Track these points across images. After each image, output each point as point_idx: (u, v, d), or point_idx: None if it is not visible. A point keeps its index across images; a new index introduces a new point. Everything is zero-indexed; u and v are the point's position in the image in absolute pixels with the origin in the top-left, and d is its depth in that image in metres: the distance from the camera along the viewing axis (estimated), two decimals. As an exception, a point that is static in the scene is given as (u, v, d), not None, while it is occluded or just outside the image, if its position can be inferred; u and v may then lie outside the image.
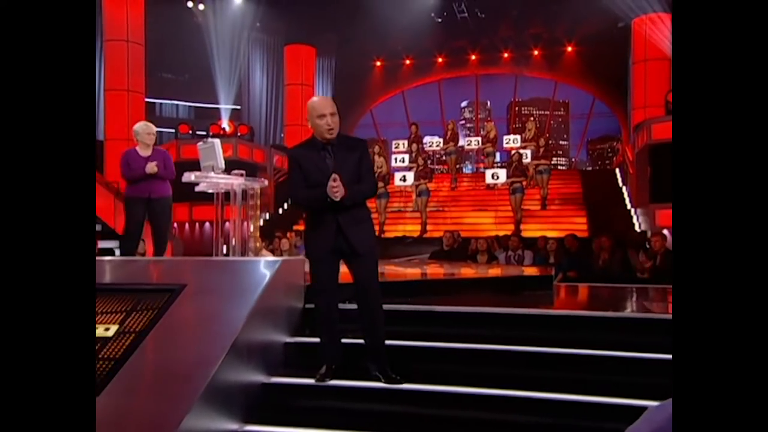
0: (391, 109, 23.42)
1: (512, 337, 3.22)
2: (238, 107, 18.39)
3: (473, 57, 21.15)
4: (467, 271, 5.36)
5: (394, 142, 14.88)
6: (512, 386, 2.79)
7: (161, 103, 25.09)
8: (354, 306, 3.14)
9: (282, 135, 18.45)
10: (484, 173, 15.92)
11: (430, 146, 15.02)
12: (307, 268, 3.47)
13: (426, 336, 3.27)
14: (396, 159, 13.69)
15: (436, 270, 6.03)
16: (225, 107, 17.76)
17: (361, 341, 3.13)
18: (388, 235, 11.80)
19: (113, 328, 2.90)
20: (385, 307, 3.08)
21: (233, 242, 5.15)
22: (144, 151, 5.17)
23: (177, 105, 25.78)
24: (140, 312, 2.99)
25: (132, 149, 5.21)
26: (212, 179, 4.72)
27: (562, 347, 3.02)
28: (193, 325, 2.85)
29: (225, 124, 14.74)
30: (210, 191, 5.26)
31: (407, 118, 22.73)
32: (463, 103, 24.57)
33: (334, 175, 2.99)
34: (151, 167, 5.06)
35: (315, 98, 3.21)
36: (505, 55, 20.76)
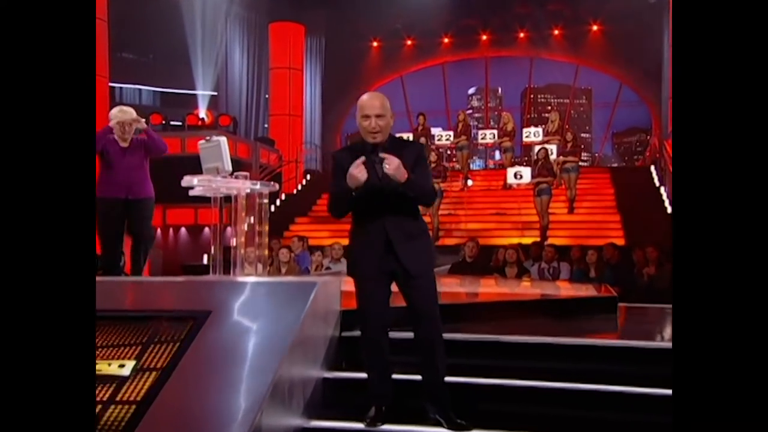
0: (388, 96, 23.24)
1: (582, 372, 3.20)
2: (215, 93, 18.27)
3: (484, 37, 21.16)
4: (515, 291, 5.32)
5: (396, 135, 14.79)
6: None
7: (121, 88, 24.88)
8: (403, 333, 3.09)
9: (266, 126, 18.36)
10: (497, 170, 16.02)
11: (439, 140, 14.99)
12: (346, 287, 3.41)
13: (489, 370, 3.23)
14: (401, 155, 13.65)
15: (471, 288, 5.99)
16: (200, 93, 17.64)
17: (415, 377, 3.08)
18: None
19: (129, 365, 2.82)
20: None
21: (239, 255, 5.01)
22: (123, 142, 4.98)
23: (140, 90, 25.60)
24: (159, 344, 2.91)
25: (107, 129, 4.94)
26: (218, 184, 4.64)
27: (655, 387, 2.98)
28: (224, 360, 2.78)
29: (203, 113, 14.64)
30: (208, 195, 5.16)
31: (406, 107, 22.70)
32: (471, 90, 24.59)
33: (378, 154, 2.97)
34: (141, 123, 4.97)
35: (364, 95, 3.17)
36: (521, 35, 20.79)
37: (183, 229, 12.75)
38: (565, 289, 5.65)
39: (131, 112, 5.07)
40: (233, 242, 5.20)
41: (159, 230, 12.92)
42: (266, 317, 3.01)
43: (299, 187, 15.48)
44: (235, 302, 3.09)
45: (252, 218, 5.34)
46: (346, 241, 10.06)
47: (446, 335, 3.08)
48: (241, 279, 3.54)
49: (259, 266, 5.32)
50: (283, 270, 7.99)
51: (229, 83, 17.50)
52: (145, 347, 2.90)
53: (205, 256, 11.50)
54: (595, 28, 20.06)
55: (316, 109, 20.11)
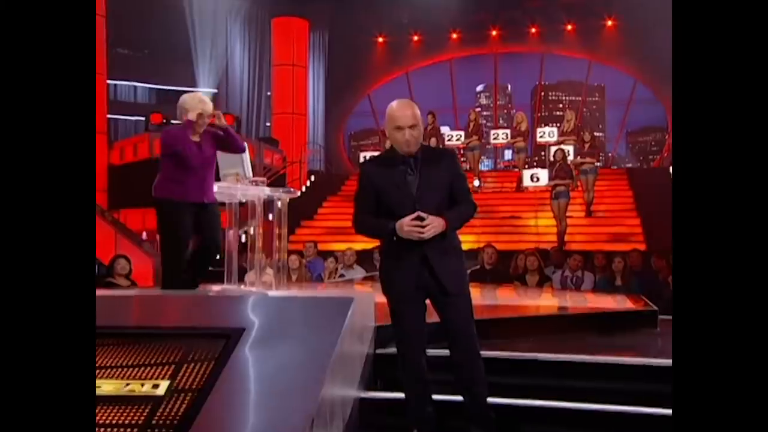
0: (393, 93, 23.39)
1: (634, 393, 3.19)
2: (215, 91, 18.28)
3: (494, 32, 21.18)
4: (548, 304, 5.32)
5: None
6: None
7: (116, 85, 24.84)
8: (441, 351, 3.08)
9: (268, 125, 18.36)
10: (508, 172, 16.02)
11: (450, 140, 14.98)
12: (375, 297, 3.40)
13: (529, 390, 3.22)
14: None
15: (499, 299, 5.98)
16: (202, 91, 17.62)
17: (454, 397, 3.07)
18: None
19: (163, 385, 2.80)
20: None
21: (257, 263, 4.99)
22: (195, 137, 4.41)
23: (135, 87, 25.54)
24: (193, 363, 2.90)
25: (178, 128, 4.42)
26: (239, 191, 4.63)
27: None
28: (263, 381, 2.76)
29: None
30: (223, 201, 5.14)
31: (413, 105, 22.66)
32: (479, 87, 24.56)
33: (419, 214, 2.93)
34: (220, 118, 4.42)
35: (393, 104, 3.12)
36: (533, 30, 20.81)
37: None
38: (598, 301, 5.64)
39: (210, 103, 4.60)
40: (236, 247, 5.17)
41: (144, 234, 12.88)
42: (303, 335, 3.00)
43: (303, 189, 15.47)
44: (269, 319, 3.08)
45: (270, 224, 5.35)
46: (358, 246, 10.07)
47: (484, 353, 3.07)
48: (274, 294, 3.53)
49: (271, 273, 5.32)
50: (294, 277, 7.95)
51: (230, 80, 17.50)
52: (178, 366, 2.88)
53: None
54: (609, 23, 20.07)
55: (320, 107, 20.12)
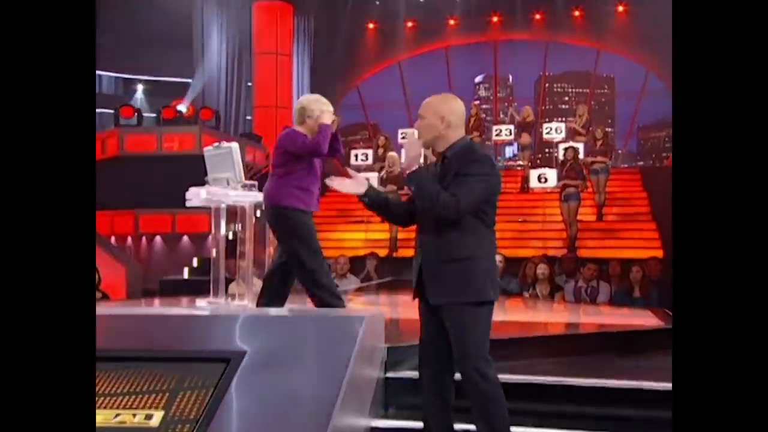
0: (383, 85, 23.37)
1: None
2: (189, 81, 18.15)
3: (495, 19, 21.19)
4: (569, 320, 5.32)
5: (400, 132, 14.72)
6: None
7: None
8: None
9: (249, 118, 18.25)
10: (512, 170, 16.00)
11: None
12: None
13: (548, 417, 3.23)
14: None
15: (511, 314, 5.98)
16: (174, 81, 17.54)
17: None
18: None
19: (157, 416, 2.77)
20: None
21: (249, 270, 4.94)
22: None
23: (100, 76, 25.36)
24: (190, 391, 2.87)
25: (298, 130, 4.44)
26: (230, 197, 4.59)
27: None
28: (268, 409, 2.74)
29: (184, 105, 14.55)
30: (207, 205, 5.10)
31: (405, 97, 22.67)
32: (478, 78, 24.59)
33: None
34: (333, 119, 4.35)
35: None
36: (537, 16, 20.85)
37: (158, 238, 12.66)
38: (619, 316, 5.66)
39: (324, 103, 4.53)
40: (214, 253, 5.11)
41: (130, 238, 12.82)
42: (310, 358, 2.98)
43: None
44: (272, 341, 3.05)
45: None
46: (350, 253, 10.04)
47: (501, 376, 3.03)
48: (276, 313, 3.50)
49: (258, 284, 5.28)
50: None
51: (205, 69, 17.36)
52: (173, 394, 2.85)
53: (186, 270, 11.42)
54: (620, 8, 20.14)
55: (305, 99, 20.02)
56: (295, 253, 4.28)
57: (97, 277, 7.64)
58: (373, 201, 3.18)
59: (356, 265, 9.66)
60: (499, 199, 3.16)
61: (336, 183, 3.20)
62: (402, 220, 3.31)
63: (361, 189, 3.13)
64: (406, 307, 4.77)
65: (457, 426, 3.10)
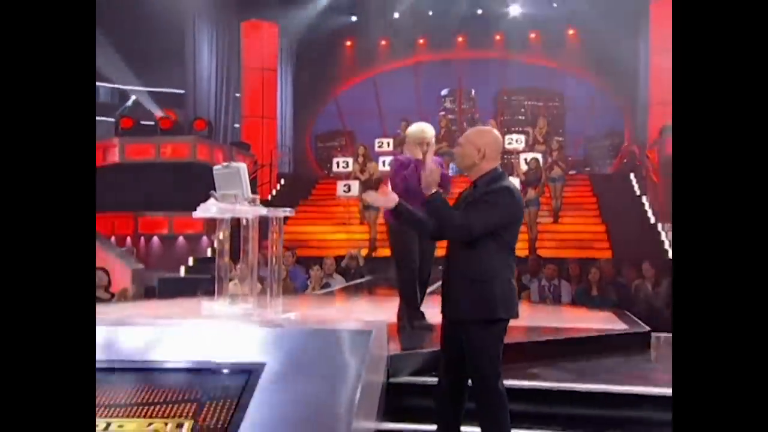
0: (360, 96, 23.29)
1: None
2: (181, 92, 17.85)
3: (460, 39, 21.30)
4: (538, 325, 5.33)
5: (377, 141, 14.62)
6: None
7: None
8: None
9: (236, 126, 18.05)
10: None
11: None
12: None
13: (543, 420, 3.23)
14: (384, 163, 13.37)
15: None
16: (168, 92, 17.25)
17: None
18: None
19: (187, 425, 2.71)
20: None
21: (254, 277, 4.89)
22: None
23: (98, 86, 24.84)
24: (215, 401, 2.81)
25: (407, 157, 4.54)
26: (237, 210, 4.54)
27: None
28: (291, 418, 2.70)
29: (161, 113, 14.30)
30: (214, 216, 5.04)
31: (379, 109, 22.68)
32: (444, 92, 24.61)
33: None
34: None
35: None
36: (497, 37, 21.01)
37: (155, 238, 12.47)
38: (586, 320, 5.69)
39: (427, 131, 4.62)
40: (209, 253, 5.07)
41: (128, 239, 12.59)
42: (326, 368, 2.93)
43: (273, 193, 15.28)
44: (289, 352, 3.00)
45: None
46: (337, 252, 9.95)
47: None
48: (290, 327, 3.45)
49: (258, 287, 5.23)
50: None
51: (197, 82, 17.09)
52: (201, 404, 2.79)
53: (182, 268, 11.26)
54: (571, 32, 20.37)
55: (288, 110, 19.90)
56: (397, 265, 4.63)
57: (106, 279, 7.50)
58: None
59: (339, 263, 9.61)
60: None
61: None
62: (435, 234, 3.19)
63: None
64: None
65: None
